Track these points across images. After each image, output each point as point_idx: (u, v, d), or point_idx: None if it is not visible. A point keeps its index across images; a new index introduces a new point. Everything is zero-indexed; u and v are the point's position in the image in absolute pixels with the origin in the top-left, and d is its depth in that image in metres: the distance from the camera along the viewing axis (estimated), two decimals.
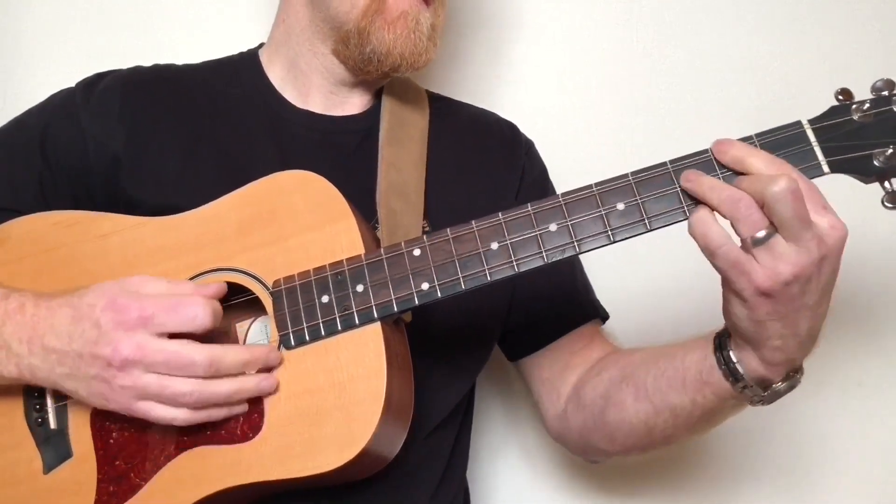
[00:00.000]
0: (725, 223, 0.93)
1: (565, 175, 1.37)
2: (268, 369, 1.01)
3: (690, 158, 0.97)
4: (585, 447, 1.29)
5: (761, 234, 0.89)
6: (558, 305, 1.31)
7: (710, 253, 0.93)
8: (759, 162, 0.93)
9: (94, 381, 0.98)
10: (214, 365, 0.96)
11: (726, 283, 0.95)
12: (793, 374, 1.00)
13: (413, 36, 1.19)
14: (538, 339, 1.33)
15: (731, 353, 1.00)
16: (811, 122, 0.96)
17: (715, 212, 0.93)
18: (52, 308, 1.01)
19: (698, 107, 1.65)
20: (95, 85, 1.26)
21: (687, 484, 1.59)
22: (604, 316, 1.36)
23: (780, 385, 0.99)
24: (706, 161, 0.97)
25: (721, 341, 1.02)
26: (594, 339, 1.33)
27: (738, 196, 0.90)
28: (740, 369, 0.99)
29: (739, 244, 0.92)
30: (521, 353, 1.35)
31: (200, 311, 0.97)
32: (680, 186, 0.96)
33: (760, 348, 0.96)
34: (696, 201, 0.95)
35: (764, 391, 1.00)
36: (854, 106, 0.96)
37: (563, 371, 1.31)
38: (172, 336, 0.97)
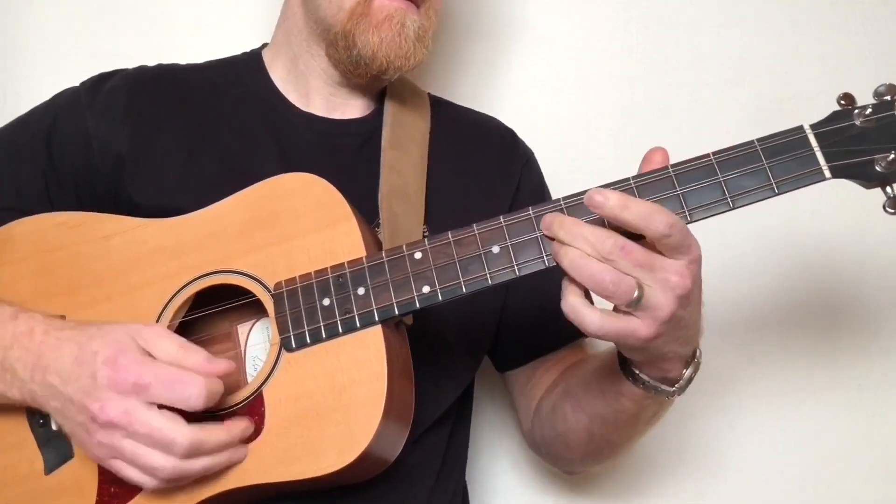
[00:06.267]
0: None
1: (565, 177, 1.37)
2: (246, 440, 1.00)
3: (686, 164, 0.96)
4: (555, 457, 1.33)
5: (635, 294, 0.89)
6: (543, 325, 1.31)
7: (599, 336, 0.93)
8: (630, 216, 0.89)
9: (78, 427, 0.98)
10: (195, 447, 0.94)
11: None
12: (692, 361, 1.04)
13: (398, 38, 1.19)
14: (520, 356, 1.34)
15: (636, 370, 1.04)
16: (813, 126, 0.96)
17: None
18: (60, 339, 1.00)
19: (698, 107, 1.65)
20: (101, 85, 1.26)
21: (686, 484, 1.60)
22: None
23: (686, 372, 1.04)
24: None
25: (624, 363, 1.06)
26: (568, 354, 1.33)
27: (603, 277, 0.89)
28: (650, 381, 1.04)
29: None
30: (504, 367, 1.37)
31: (195, 394, 0.94)
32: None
33: (660, 363, 1.01)
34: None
35: (675, 385, 1.04)
36: (856, 111, 0.95)
37: (534, 386, 1.33)
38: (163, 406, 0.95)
